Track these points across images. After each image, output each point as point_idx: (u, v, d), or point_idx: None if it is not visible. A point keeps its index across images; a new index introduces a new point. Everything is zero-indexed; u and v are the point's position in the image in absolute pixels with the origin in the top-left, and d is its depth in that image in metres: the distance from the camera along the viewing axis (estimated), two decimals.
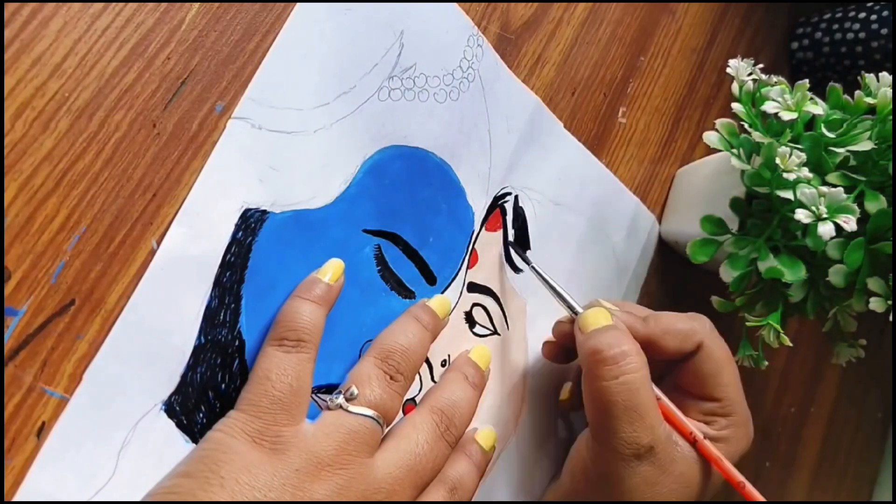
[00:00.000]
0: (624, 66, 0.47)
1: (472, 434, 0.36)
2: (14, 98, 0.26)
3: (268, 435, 0.28)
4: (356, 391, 0.31)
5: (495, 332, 0.40)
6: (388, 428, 0.32)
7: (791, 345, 0.38)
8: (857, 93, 0.38)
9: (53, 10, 0.27)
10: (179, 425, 0.29)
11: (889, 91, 0.37)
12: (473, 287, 0.39)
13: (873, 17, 0.52)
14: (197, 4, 0.30)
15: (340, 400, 0.30)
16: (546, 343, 0.40)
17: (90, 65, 0.28)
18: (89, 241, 0.28)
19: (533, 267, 0.40)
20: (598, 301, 0.38)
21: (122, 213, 0.28)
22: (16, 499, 0.26)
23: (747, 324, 0.39)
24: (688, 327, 0.38)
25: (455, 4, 0.37)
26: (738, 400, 0.38)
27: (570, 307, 0.38)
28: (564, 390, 0.42)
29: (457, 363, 0.36)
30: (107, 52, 0.28)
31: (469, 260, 0.39)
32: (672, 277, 0.50)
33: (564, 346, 0.39)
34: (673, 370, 0.39)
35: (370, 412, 0.30)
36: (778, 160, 0.35)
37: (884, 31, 0.51)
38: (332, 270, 0.33)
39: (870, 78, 0.37)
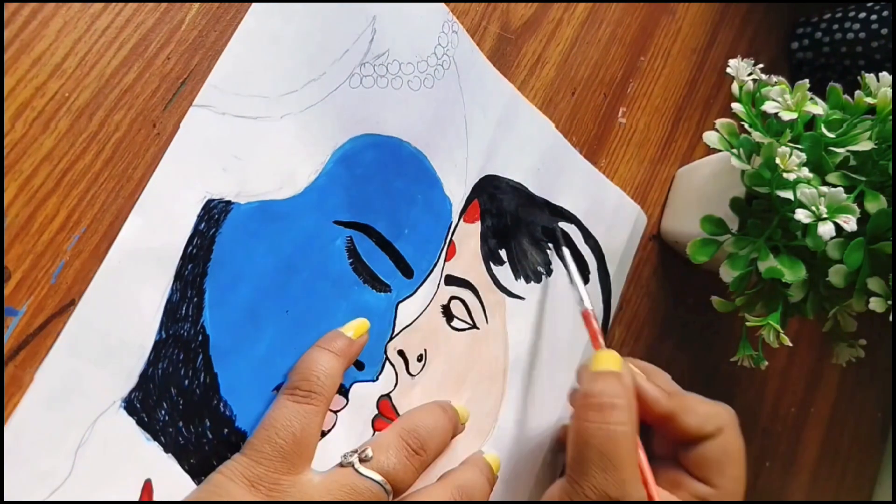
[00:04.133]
0: (624, 66, 0.47)
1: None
2: (14, 98, 0.26)
3: (266, 481, 0.28)
4: (371, 454, 0.31)
5: (474, 326, 0.39)
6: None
7: (791, 345, 0.38)
8: (857, 93, 0.38)
9: (53, 10, 0.27)
10: (140, 423, 0.28)
11: (889, 91, 0.37)
12: (451, 280, 0.38)
13: (873, 17, 0.52)
14: (197, 4, 0.30)
15: (353, 459, 0.30)
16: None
17: (90, 65, 0.28)
18: (89, 240, 0.28)
19: (561, 252, 0.41)
20: (624, 359, 0.37)
21: (122, 213, 0.28)
22: None
23: (747, 324, 0.39)
24: (712, 410, 0.37)
25: None
26: (739, 497, 0.36)
27: (581, 300, 0.39)
28: None
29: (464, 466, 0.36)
30: (107, 52, 0.28)
31: (447, 252, 0.38)
32: (672, 277, 0.50)
33: None
34: (680, 449, 0.38)
35: (378, 477, 0.30)
36: (778, 160, 0.35)
37: (884, 31, 0.51)
38: (354, 328, 0.33)
39: (870, 78, 0.37)
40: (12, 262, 0.26)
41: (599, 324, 0.39)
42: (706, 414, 0.37)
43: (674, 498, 0.36)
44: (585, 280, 0.44)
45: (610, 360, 0.36)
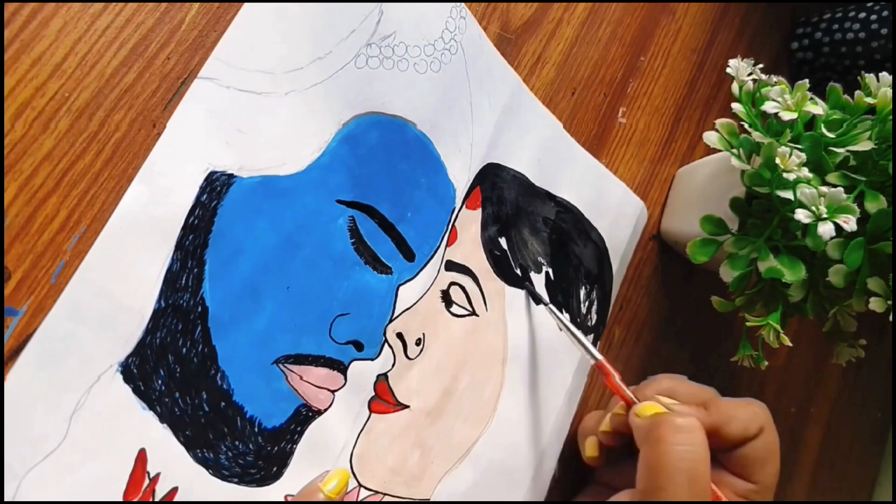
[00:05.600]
0: (624, 66, 0.47)
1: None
2: (14, 98, 0.26)
3: None
4: None
5: (473, 313, 0.39)
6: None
7: (791, 345, 0.38)
8: (857, 93, 0.38)
9: (53, 10, 0.27)
10: (136, 391, 0.28)
11: (889, 91, 0.37)
12: (451, 265, 0.38)
13: (873, 17, 0.52)
14: (197, 4, 0.30)
15: None
16: (593, 439, 0.39)
17: (90, 65, 0.28)
18: (89, 241, 0.28)
19: (551, 309, 0.41)
20: (658, 380, 0.37)
21: None
22: None
23: (747, 324, 0.39)
24: (750, 412, 0.38)
25: None
26: (774, 489, 0.38)
27: (591, 354, 0.39)
28: (591, 447, 0.40)
29: None
30: (107, 52, 0.28)
31: (448, 237, 0.38)
32: (672, 277, 0.50)
33: (620, 435, 0.38)
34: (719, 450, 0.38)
35: None
36: (778, 160, 0.35)
37: (884, 31, 0.51)
38: (336, 479, 0.32)
39: (870, 78, 0.37)
40: (12, 262, 0.26)
41: (619, 378, 0.38)
42: (747, 418, 0.38)
43: (736, 498, 0.36)
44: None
45: (656, 409, 0.35)
